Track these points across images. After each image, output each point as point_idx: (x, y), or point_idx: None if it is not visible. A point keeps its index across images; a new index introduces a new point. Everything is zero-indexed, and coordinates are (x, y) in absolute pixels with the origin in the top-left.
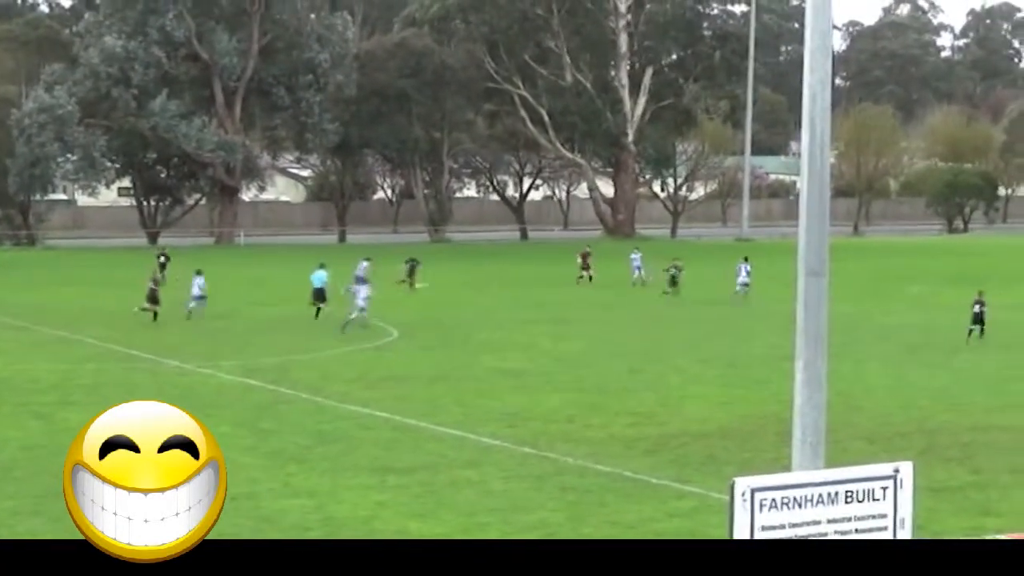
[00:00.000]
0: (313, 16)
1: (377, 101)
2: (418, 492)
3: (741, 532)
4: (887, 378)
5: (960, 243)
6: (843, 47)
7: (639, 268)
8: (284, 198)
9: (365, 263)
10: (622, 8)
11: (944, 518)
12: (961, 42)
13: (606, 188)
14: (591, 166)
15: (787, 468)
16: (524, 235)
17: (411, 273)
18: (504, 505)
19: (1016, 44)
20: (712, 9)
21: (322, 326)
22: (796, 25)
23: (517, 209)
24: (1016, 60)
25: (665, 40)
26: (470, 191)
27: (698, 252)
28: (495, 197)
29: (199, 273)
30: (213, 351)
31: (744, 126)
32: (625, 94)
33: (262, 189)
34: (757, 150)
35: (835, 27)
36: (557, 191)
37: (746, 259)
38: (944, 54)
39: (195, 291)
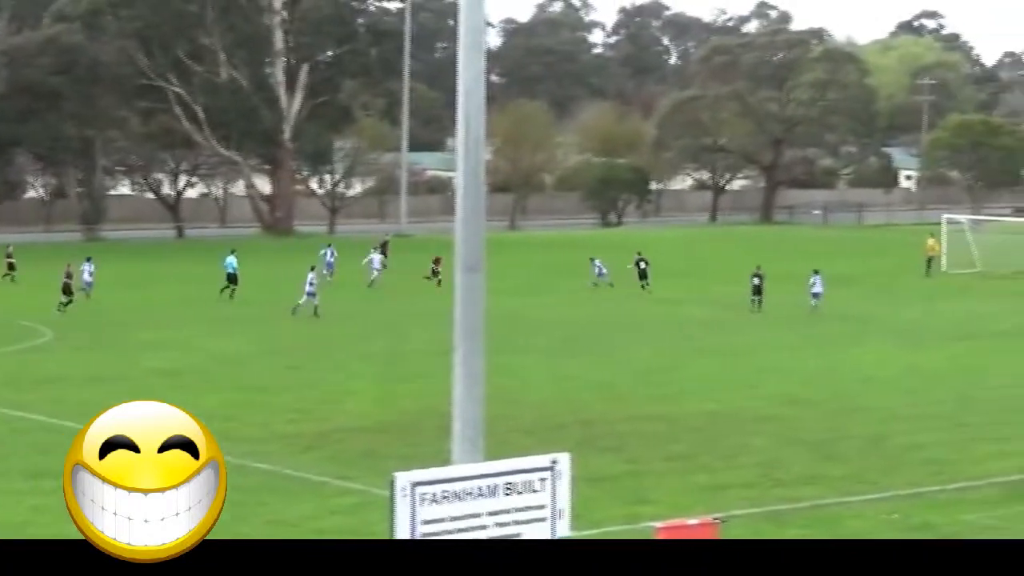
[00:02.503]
0: None
1: (27, 98)
2: None
3: (403, 527)
4: (545, 371)
5: (615, 236)
6: (498, 44)
7: (377, 269)
8: None
9: (329, 249)
10: (276, 5)
11: (602, 507)
12: (613, 39)
13: (264, 185)
14: (248, 163)
15: (448, 462)
16: (180, 233)
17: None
18: None
19: (665, 41)
20: (368, 6)
21: None
22: (452, 22)
23: (173, 207)
24: (665, 57)
25: (321, 37)
26: (125, 189)
27: (357, 248)
28: (150, 195)
29: (88, 259)
30: None
31: (401, 123)
32: (281, 91)
33: None
34: (415, 146)
35: (490, 24)
36: (214, 189)
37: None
38: (597, 51)
39: (86, 276)
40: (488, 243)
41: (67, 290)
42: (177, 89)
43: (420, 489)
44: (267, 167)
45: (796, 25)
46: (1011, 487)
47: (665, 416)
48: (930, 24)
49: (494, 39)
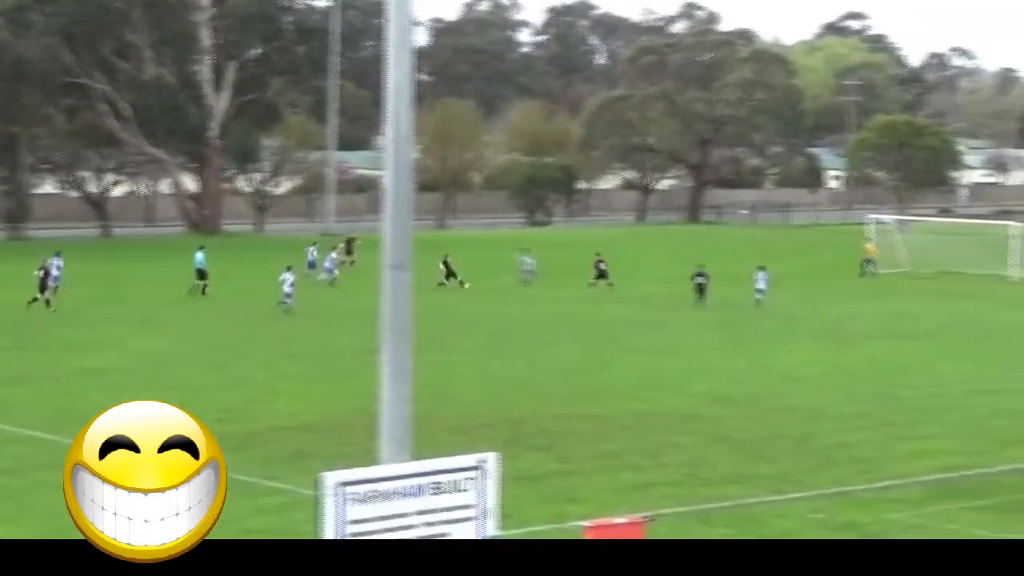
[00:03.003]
0: None
1: None
2: None
3: (331, 527)
4: (473, 370)
5: (542, 236)
6: (427, 43)
7: (328, 269)
8: None
9: (314, 248)
10: (204, 1)
11: (530, 506)
12: (541, 38)
13: (191, 184)
14: (174, 162)
15: (376, 461)
16: (106, 232)
17: (448, 274)
18: None
19: (593, 41)
20: (294, 3)
21: None
22: (379, 21)
23: (99, 205)
24: (594, 56)
25: (248, 34)
26: (50, 187)
27: (286, 247)
28: (76, 193)
29: (58, 254)
30: None
31: (329, 121)
32: (208, 89)
33: None
34: (342, 145)
35: (418, 23)
36: (140, 187)
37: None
38: (524, 50)
39: (54, 272)
40: (416, 242)
41: (44, 287)
42: (103, 86)
43: (347, 489)
44: (194, 165)
45: (723, 26)
46: (935, 485)
47: (593, 415)
48: (855, 25)
49: (422, 38)
